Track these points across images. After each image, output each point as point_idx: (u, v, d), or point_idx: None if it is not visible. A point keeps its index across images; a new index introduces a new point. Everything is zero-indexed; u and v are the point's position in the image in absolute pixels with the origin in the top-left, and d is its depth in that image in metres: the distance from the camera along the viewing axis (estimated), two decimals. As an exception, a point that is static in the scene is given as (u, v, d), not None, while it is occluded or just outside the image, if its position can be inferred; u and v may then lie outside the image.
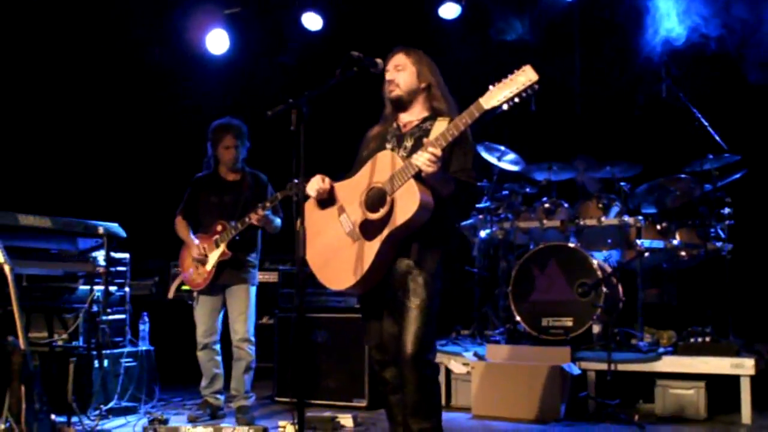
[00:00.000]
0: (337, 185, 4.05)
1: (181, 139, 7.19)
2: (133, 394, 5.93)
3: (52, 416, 4.42)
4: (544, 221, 6.85)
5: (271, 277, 7.47)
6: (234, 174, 5.97)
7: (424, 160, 3.63)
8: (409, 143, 3.96)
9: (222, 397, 5.90)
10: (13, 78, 7.42)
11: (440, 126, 3.86)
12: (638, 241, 6.53)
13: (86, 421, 5.36)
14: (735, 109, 7.19)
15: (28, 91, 7.60)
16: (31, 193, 7.13)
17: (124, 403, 5.83)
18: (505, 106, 3.63)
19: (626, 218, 6.63)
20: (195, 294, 5.84)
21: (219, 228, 5.73)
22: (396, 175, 3.77)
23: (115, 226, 5.64)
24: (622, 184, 6.81)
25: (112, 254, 5.82)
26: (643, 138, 7.43)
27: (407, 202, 3.73)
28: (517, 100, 3.61)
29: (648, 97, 7.01)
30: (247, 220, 5.60)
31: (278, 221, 5.81)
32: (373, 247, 3.81)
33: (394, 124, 4.11)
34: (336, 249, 3.95)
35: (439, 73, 4.13)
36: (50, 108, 7.77)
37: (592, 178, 7.25)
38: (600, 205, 6.76)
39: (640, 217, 6.68)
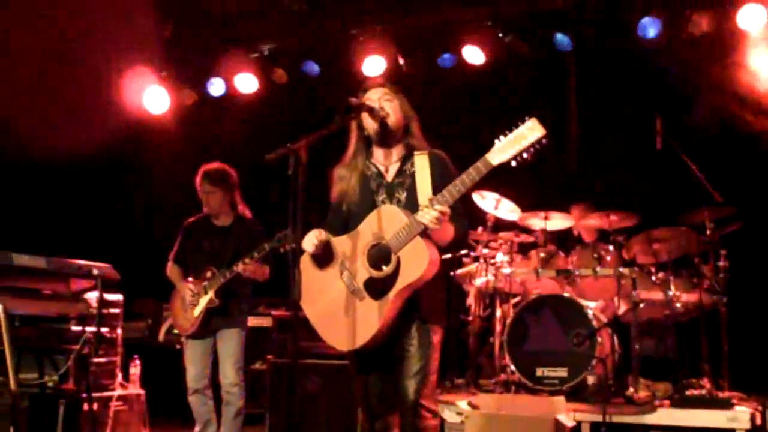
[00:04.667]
0: (336, 240, 3.95)
1: (175, 181, 7.18)
2: (122, 438, 5.87)
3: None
4: (540, 270, 6.83)
5: (264, 322, 7.42)
6: (224, 219, 5.99)
7: (431, 218, 3.61)
8: (402, 195, 3.91)
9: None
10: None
11: (421, 162, 3.85)
12: (633, 292, 6.50)
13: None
14: (730, 161, 7.23)
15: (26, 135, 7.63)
16: (24, 232, 7.12)
17: (112, 448, 5.77)
18: (513, 163, 3.60)
19: (621, 269, 6.61)
20: (183, 339, 5.82)
21: (209, 274, 5.73)
22: (401, 232, 3.69)
23: (108, 268, 5.60)
24: (617, 234, 6.80)
25: (105, 296, 5.79)
26: (639, 189, 7.45)
27: (416, 260, 3.66)
28: (525, 155, 3.57)
29: (643, 148, 7.03)
30: (235, 269, 5.59)
31: (267, 269, 5.79)
32: (383, 306, 3.71)
33: (373, 169, 4.02)
34: (341, 308, 3.84)
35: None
36: (44, 150, 7.79)
37: (588, 227, 7.27)
38: (595, 255, 6.75)
39: (636, 268, 6.66)
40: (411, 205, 3.81)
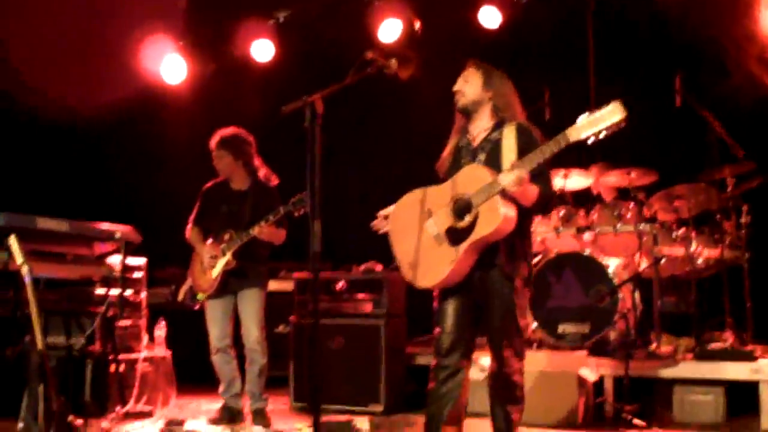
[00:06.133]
0: (429, 189, 4.27)
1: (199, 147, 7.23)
2: (149, 398, 5.94)
3: (70, 417, 4.41)
4: (560, 228, 6.84)
5: (286, 286, 7.45)
6: (241, 183, 6.05)
7: (510, 181, 3.87)
8: (482, 157, 4.20)
9: (241, 402, 5.89)
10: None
11: (509, 132, 4.13)
12: (654, 248, 6.50)
13: (103, 424, 5.38)
14: (750, 117, 7.17)
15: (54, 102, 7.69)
16: (49, 198, 7.20)
17: (140, 407, 5.84)
18: (591, 140, 3.81)
19: (642, 226, 6.60)
20: (199, 299, 5.88)
21: (226, 237, 5.80)
22: (483, 189, 3.97)
23: (130, 230, 5.64)
24: (638, 191, 6.79)
25: (129, 260, 5.85)
26: (659, 146, 7.41)
27: (491, 217, 3.94)
28: (603, 135, 3.79)
29: (662, 105, 6.99)
30: (251, 232, 5.67)
31: (282, 233, 5.87)
32: (456, 252, 4.04)
33: (465, 139, 4.34)
34: (422, 250, 4.19)
35: (508, 83, 4.32)
36: (66, 117, 7.86)
37: (608, 186, 7.24)
38: (616, 213, 6.74)
39: (656, 224, 6.65)
40: (489, 166, 4.09)
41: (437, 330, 4.24)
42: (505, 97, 4.28)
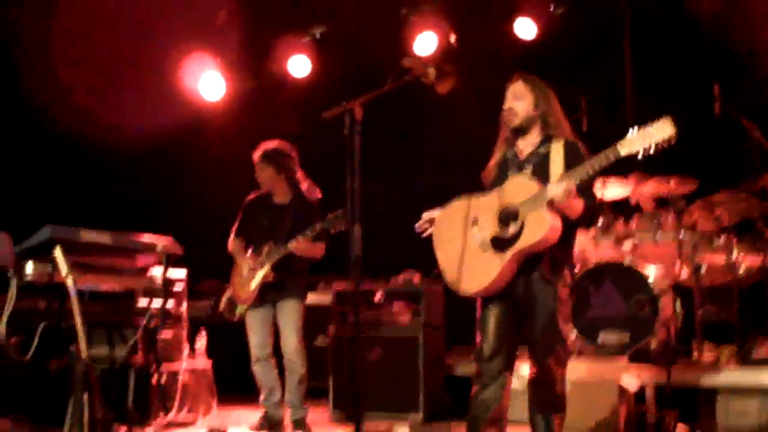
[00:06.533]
0: (474, 198, 4.31)
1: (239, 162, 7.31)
2: (191, 408, 6.00)
3: (114, 426, 4.47)
4: (598, 238, 6.80)
5: (325, 299, 7.48)
6: (282, 196, 6.11)
7: (558, 192, 3.92)
8: (528, 168, 4.26)
9: (281, 410, 5.93)
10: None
11: (557, 148, 4.19)
12: (695, 257, 6.44)
13: (147, 432, 5.46)
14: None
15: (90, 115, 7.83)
16: (91, 209, 7.33)
17: (182, 417, 5.90)
18: (640, 155, 3.85)
19: (682, 234, 6.55)
20: (240, 311, 5.93)
21: (266, 249, 5.87)
22: (531, 199, 4.02)
23: (171, 241, 5.70)
24: (677, 199, 6.72)
25: (169, 272, 5.90)
26: (699, 153, 7.35)
27: (537, 227, 4.00)
28: (652, 151, 3.82)
29: (702, 112, 6.94)
30: (288, 246, 5.72)
31: (321, 247, 5.92)
32: (501, 260, 4.08)
33: (512, 150, 4.37)
34: (467, 256, 4.24)
35: (555, 97, 4.36)
36: (111, 131, 8.00)
37: (646, 195, 7.19)
38: (655, 221, 6.70)
39: (697, 232, 6.59)
40: (536, 178, 4.14)
41: (479, 337, 4.26)
42: (555, 114, 4.31)
